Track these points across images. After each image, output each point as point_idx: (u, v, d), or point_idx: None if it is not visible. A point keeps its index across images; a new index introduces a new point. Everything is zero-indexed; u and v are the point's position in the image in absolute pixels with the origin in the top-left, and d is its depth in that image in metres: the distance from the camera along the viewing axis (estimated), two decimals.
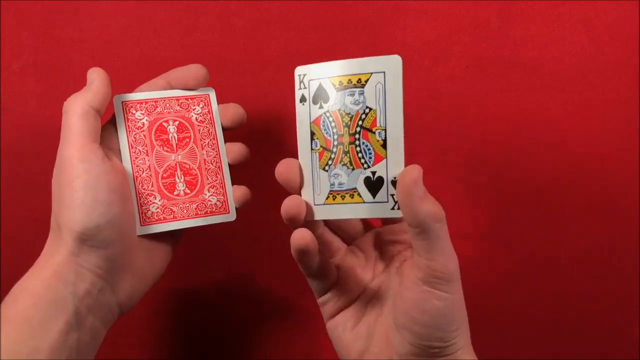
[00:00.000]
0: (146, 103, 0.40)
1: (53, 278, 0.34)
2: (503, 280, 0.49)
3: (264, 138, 0.48)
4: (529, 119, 0.47)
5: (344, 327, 0.37)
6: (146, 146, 0.39)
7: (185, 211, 0.40)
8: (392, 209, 0.34)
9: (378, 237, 0.38)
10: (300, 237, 0.33)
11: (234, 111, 0.41)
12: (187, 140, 0.40)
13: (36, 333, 0.33)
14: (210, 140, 0.41)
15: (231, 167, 0.41)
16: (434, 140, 0.48)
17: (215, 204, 0.40)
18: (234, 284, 0.50)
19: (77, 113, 0.36)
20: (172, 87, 0.40)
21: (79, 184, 0.35)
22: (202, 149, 0.40)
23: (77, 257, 0.35)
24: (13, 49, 0.48)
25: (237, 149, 0.41)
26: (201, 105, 0.41)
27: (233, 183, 0.41)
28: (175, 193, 0.40)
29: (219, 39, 0.48)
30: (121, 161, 0.39)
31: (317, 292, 0.38)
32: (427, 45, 0.47)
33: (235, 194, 0.40)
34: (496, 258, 0.49)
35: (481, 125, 0.47)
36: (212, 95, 0.41)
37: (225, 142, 0.41)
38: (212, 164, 0.41)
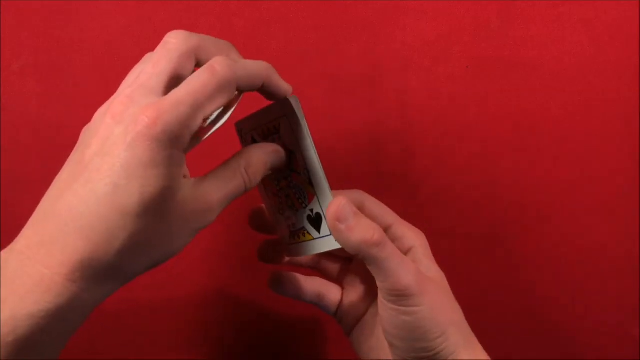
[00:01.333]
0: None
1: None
2: (503, 280, 0.49)
3: None
4: (529, 119, 0.47)
5: (358, 341, 0.38)
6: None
7: None
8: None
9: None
10: (272, 284, 0.38)
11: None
12: None
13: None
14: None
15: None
16: (434, 140, 0.48)
17: None
18: (234, 283, 0.50)
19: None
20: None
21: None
22: None
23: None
24: (13, 49, 0.48)
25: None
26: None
27: None
28: None
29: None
30: None
31: (327, 312, 0.40)
32: (427, 45, 0.47)
33: None
34: (496, 258, 0.49)
35: (481, 125, 0.47)
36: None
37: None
38: None
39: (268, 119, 0.35)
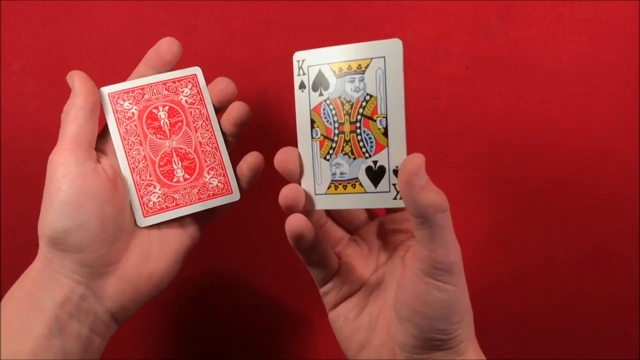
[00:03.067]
0: (133, 92, 0.39)
1: (32, 285, 0.34)
2: (503, 280, 0.49)
3: (264, 138, 0.48)
4: (529, 119, 0.47)
5: (345, 317, 0.36)
6: (139, 136, 0.38)
7: (187, 197, 0.39)
8: (394, 198, 0.33)
9: (381, 226, 0.38)
10: (295, 222, 0.33)
11: (224, 87, 0.40)
12: (180, 124, 0.39)
13: (16, 337, 0.33)
14: (203, 121, 0.39)
15: (229, 146, 0.40)
16: (434, 140, 0.48)
17: (217, 185, 0.39)
18: (233, 280, 0.50)
19: (65, 119, 0.36)
20: (154, 70, 0.39)
21: (52, 187, 0.34)
22: (196, 131, 0.39)
23: (52, 262, 0.34)
24: (13, 49, 0.48)
25: (237, 109, 0.39)
26: (189, 87, 0.39)
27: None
28: (174, 180, 0.39)
29: (219, 39, 0.48)
30: (116, 157, 0.38)
31: (319, 282, 0.37)
32: (427, 45, 0.47)
33: (247, 160, 0.39)
34: (496, 258, 0.49)
35: (481, 125, 0.47)
36: (199, 74, 0.40)
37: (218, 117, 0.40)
38: (208, 146, 0.39)
39: (357, 56, 0.34)
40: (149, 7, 0.48)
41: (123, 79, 0.48)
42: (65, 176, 0.34)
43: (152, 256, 0.38)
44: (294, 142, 0.48)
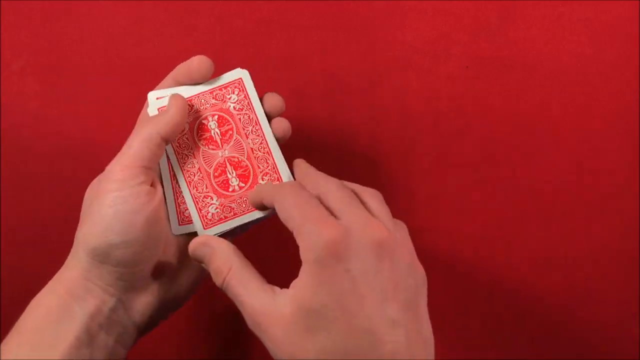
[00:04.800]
0: None
1: (65, 293, 0.34)
2: (503, 280, 0.49)
3: None
4: (529, 119, 0.47)
5: None
6: (191, 149, 0.38)
7: (244, 205, 0.38)
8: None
9: None
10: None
11: (275, 102, 0.39)
12: (230, 132, 0.39)
13: (46, 346, 0.33)
14: (253, 126, 0.39)
15: (281, 146, 0.39)
16: (434, 140, 0.48)
17: None
18: None
19: (141, 136, 0.35)
20: (181, 85, 0.39)
21: (104, 200, 0.34)
22: (247, 137, 0.39)
23: (89, 272, 0.34)
24: (13, 49, 0.48)
25: (280, 125, 0.39)
26: (236, 92, 0.39)
27: None
28: (230, 190, 0.38)
29: (219, 39, 0.48)
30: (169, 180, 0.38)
31: None
32: (427, 45, 0.47)
33: (277, 125, 0.39)
34: (496, 258, 0.49)
35: (481, 125, 0.47)
36: (245, 78, 0.39)
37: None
38: (260, 151, 0.39)
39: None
40: (149, 7, 0.48)
41: (123, 79, 0.48)
42: (120, 193, 0.34)
43: (179, 275, 0.38)
44: (293, 142, 0.48)
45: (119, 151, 0.49)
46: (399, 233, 0.34)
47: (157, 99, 0.38)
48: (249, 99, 0.39)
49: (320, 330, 0.29)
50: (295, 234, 0.32)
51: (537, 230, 0.48)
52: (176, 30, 0.48)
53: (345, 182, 0.35)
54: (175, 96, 0.37)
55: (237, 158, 0.39)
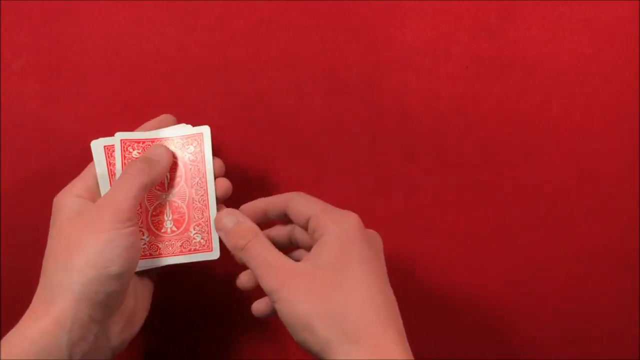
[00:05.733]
0: (143, 142, 0.41)
1: (52, 324, 0.34)
2: (503, 280, 0.49)
3: (265, 137, 0.48)
4: (529, 119, 0.47)
5: None
6: None
7: (170, 248, 0.41)
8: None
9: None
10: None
11: (220, 164, 0.42)
12: (179, 179, 0.41)
13: None
14: (200, 178, 0.41)
15: (218, 201, 0.42)
16: (434, 140, 0.48)
17: (200, 241, 0.41)
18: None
19: (139, 184, 0.38)
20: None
21: (108, 235, 0.36)
22: (192, 187, 0.41)
23: (80, 303, 0.35)
24: (13, 49, 0.48)
25: (223, 185, 0.42)
26: (194, 145, 0.42)
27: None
28: (162, 230, 0.41)
29: (219, 39, 0.48)
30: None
31: None
32: (427, 45, 0.47)
33: (220, 184, 0.42)
34: (496, 258, 0.49)
35: (481, 125, 0.47)
36: (206, 133, 0.42)
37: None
38: (199, 202, 0.41)
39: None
40: (149, 7, 0.48)
41: (123, 79, 0.48)
42: (123, 230, 0.36)
43: (138, 296, 0.40)
44: (293, 141, 0.48)
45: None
46: None
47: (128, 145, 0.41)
48: (204, 152, 0.41)
49: (347, 285, 0.33)
50: (315, 218, 0.36)
51: (537, 230, 0.48)
52: (176, 30, 0.48)
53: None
54: (166, 149, 0.41)
55: (178, 203, 0.41)
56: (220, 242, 0.40)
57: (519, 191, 0.48)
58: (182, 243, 0.41)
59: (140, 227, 0.40)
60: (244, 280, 0.40)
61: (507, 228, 0.48)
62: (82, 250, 0.35)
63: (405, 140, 0.48)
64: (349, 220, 0.36)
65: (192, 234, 0.41)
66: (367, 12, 0.47)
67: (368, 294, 0.33)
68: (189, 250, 0.41)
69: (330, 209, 0.37)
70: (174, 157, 0.41)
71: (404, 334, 0.34)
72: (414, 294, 0.45)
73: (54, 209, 0.39)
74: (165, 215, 0.41)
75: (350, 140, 0.48)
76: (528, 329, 0.49)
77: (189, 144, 0.42)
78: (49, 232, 0.38)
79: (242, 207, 0.40)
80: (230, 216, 0.39)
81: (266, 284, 0.35)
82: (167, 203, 0.41)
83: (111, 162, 0.40)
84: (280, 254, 0.36)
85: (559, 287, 0.49)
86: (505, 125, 0.47)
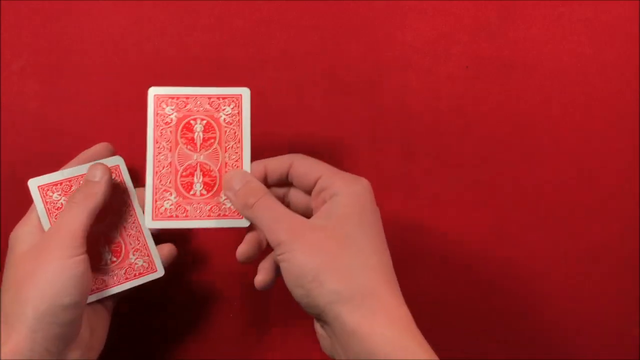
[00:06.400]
0: (177, 98, 0.40)
1: (10, 357, 0.34)
2: (503, 280, 0.49)
3: (264, 137, 0.48)
4: (529, 119, 0.47)
5: None
6: (170, 143, 0.40)
7: (198, 211, 0.40)
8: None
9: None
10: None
11: (167, 251, 0.43)
12: (212, 141, 0.40)
13: None
14: (235, 143, 0.40)
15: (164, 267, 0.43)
16: (434, 140, 0.48)
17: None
18: (234, 282, 0.50)
19: (88, 208, 0.38)
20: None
21: (57, 264, 0.36)
22: (225, 151, 0.40)
23: (35, 334, 0.35)
24: (13, 49, 0.48)
25: (167, 251, 0.42)
26: (232, 106, 0.40)
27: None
28: (191, 192, 0.40)
29: (219, 39, 0.48)
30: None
31: None
32: (427, 45, 0.47)
33: (161, 251, 0.42)
34: (496, 258, 0.49)
35: (481, 125, 0.47)
36: (246, 96, 0.40)
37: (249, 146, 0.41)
38: (232, 167, 0.40)
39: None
40: (149, 7, 0.48)
41: (123, 79, 0.48)
42: (72, 259, 0.36)
43: (94, 326, 0.40)
44: (293, 141, 0.48)
45: (119, 151, 0.49)
46: None
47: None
48: (242, 116, 0.40)
49: (359, 244, 0.34)
50: (326, 177, 0.37)
51: (537, 230, 0.48)
52: (176, 30, 0.48)
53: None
54: (102, 167, 0.39)
55: (209, 167, 0.40)
56: (163, 259, 0.42)
57: (519, 191, 0.48)
58: (211, 207, 0.40)
59: (168, 187, 0.40)
60: (242, 249, 0.39)
61: (507, 228, 0.48)
62: (34, 283, 0.35)
63: (405, 140, 0.48)
64: (362, 184, 0.37)
65: (222, 199, 0.40)
66: (367, 12, 0.47)
67: (377, 256, 0.35)
68: (217, 215, 0.40)
69: (340, 171, 0.38)
70: (208, 116, 0.40)
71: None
72: (414, 294, 0.45)
73: (9, 244, 0.39)
74: (195, 178, 0.40)
75: (350, 140, 0.48)
76: (528, 329, 0.49)
77: (226, 105, 0.40)
78: (5, 266, 0.38)
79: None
80: (239, 176, 0.38)
81: (276, 237, 0.35)
82: (198, 165, 0.40)
83: (47, 200, 0.40)
84: (290, 210, 0.36)
85: (559, 287, 0.49)
86: (505, 125, 0.47)
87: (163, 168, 0.39)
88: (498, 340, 0.49)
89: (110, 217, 0.41)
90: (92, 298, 0.40)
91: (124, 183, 0.41)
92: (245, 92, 0.40)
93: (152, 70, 0.48)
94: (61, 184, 0.40)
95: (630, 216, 0.48)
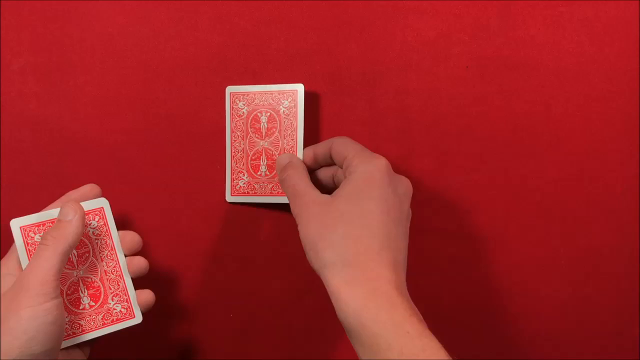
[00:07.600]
0: (247, 95, 0.46)
1: None
2: (503, 280, 0.49)
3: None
4: (529, 119, 0.47)
5: None
6: (242, 132, 0.46)
7: (263, 189, 0.46)
8: None
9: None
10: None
11: (131, 238, 0.43)
12: (274, 130, 0.46)
13: None
14: (292, 131, 0.45)
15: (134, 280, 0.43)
16: (434, 140, 0.48)
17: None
18: (234, 282, 0.50)
19: (58, 251, 0.38)
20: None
21: (27, 312, 0.35)
22: (284, 138, 0.45)
23: None
24: (13, 49, 0.48)
25: (145, 297, 0.44)
26: (289, 100, 0.45)
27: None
28: (258, 173, 0.46)
29: (219, 39, 0.48)
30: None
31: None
32: (427, 45, 0.47)
33: (139, 297, 0.43)
34: (496, 258, 0.49)
35: (481, 125, 0.47)
36: (300, 91, 0.45)
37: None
38: (288, 152, 0.45)
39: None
40: (149, 7, 0.48)
41: (123, 78, 0.48)
42: (42, 306, 0.36)
43: None
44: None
45: (118, 151, 0.49)
46: None
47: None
48: (297, 108, 0.45)
49: (352, 215, 0.37)
50: (350, 157, 0.40)
51: (537, 230, 0.48)
52: (176, 30, 0.48)
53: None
54: (74, 206, 0.40)
55: (272, 152, 0.46)
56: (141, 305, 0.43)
57: (519, 191, 0.48)
58: (273, 186, 0.46)
59: (242, 168, 0.46)
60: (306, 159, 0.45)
61: (507, 228, 0.48)
62: (6, 330, 0.35)
63: (405, 140, 0.48)
64: (375, 162, 0.39)
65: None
66: (367, 12, 0.47)
67: (368, 226, 0.37)
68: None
69: (364, 152, 0.40)
70: (271, 109, 0.45)
71: (402, 265, 0.37)
72: (413, 294, 0.45)
73: None
74: (261, 160, 0.46)
75: None
76: (528, 329, 0.49)
77: (284, 99, 0.45)
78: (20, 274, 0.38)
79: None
80: (281, 159, 0.44)
81: (292, 209, 0.40)
82: (264, 150, 0.46)
83: (28, 241, 0.40)
84: (310, 187, 0.41)
85: (559, 287, 0.49)
86: (505, 125, 0.47)
87: (238, 153, 0.46)
88: (498, 340, 0.49)
89: (91, 259, 0.42)
90: (67, 343, 0.40)
91: (107, 225, 0.43)
92: (300, 88, 0.45)
93: (151, 71, 0.48)
94: (43, 224, 0.41)
95: (630, 216, 0.48)
